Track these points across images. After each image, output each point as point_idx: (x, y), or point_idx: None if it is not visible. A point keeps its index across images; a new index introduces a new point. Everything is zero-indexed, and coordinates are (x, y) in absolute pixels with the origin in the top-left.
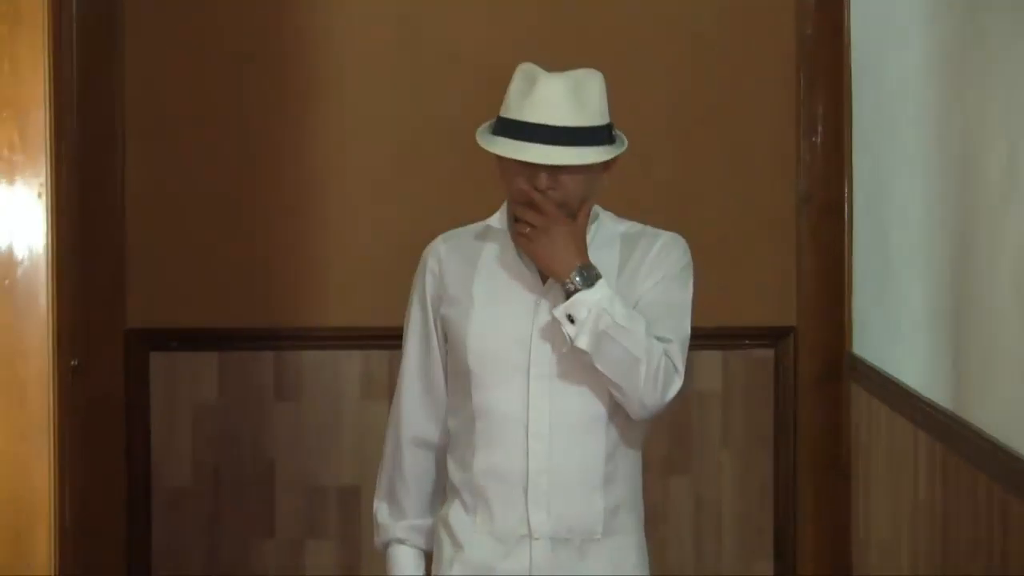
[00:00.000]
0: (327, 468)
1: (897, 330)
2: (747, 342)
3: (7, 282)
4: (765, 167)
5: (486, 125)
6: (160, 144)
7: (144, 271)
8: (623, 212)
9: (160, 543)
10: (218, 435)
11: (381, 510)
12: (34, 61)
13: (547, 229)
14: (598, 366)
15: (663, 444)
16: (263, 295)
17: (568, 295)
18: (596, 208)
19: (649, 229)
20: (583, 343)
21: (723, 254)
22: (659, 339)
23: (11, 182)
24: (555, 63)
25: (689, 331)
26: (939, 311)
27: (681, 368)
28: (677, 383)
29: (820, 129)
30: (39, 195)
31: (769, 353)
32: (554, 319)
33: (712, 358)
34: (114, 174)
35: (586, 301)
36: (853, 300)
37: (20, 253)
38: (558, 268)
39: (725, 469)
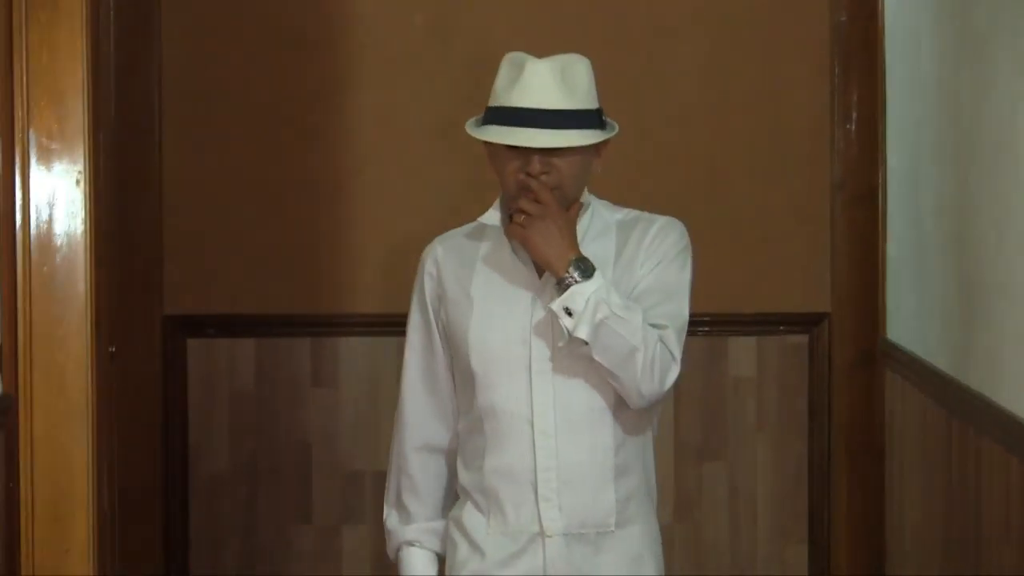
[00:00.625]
0: (364, 454)
1: (930, 316)
2: (782, 328)
3: (46, 269)
4: (799, 154)
5: (475, 118)
6: (197, 131)
7: (181, 258)
8: (658, 200)
9: (197, 528)
10: (255, 421)
11: (391, 518)
12: (72, 50)
13: (543, 218)
14: (596, 357)
15: (698, 430)
16: (300, 282)
17: (564, 288)
18: (589, 196)
19: (645, 215)
20: (583, 333)
21: (758, 241)
22: (655, 326)
23: (50, 170)
24: (590, 52)
25: (687, 315)
26: (972, 297)
27: (678, 355)
28: (675, 371)
29: (854, 116)
30: (77, 182)
31: (803, 339)
32: (551, 313)
33: (747, 344)
34: (151, 161)
35: (583, 292)
36: (887, 286)
37: (59, 240)
38: (555, 261)
39: (759, 455)
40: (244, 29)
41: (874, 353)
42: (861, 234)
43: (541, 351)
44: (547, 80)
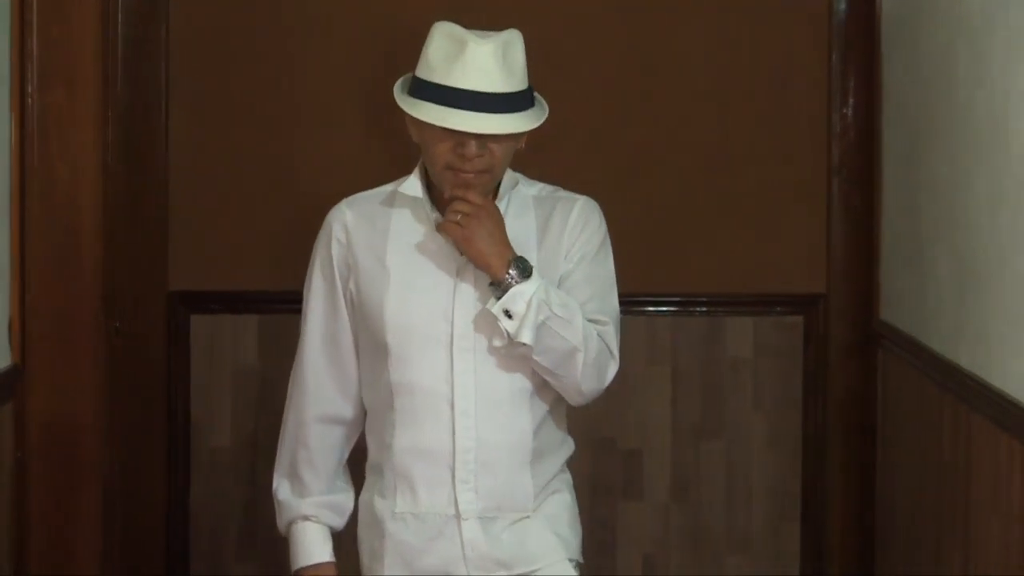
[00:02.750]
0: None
1: (924, 297)
2: (778, 309)
3: (56, 244)
4: (797, 138)
5: (401, 83)
6: (203, 109)
7: (186, 235)
8: (658, 182)
9: (198, 502)
10: (257, 397)
11: (282, 488)
12: (84, 28)
13: (478, 216)
14: (536, 358)
15: (695, 409)
16: (304, 259)
17: (503, 290)
18: (514, 176)
19: (561, 192)
20: (526, 336)
21: (756, 223)
22: (593, 321)
23: (60, 145)
24: (596, 35)
25: (618, 306)
26: (965, 278)
27: (616, 352)
28: (613, 367)
29: (851, 100)
30: (87, 159)
31: (799, 320)
32: (476, 293)
33: (744, 324)
34: (157, 139)
35: (523, 294)
36: (882, 268)
37: (69, 216)
38: (494, 262)
39: (755, 434)
40: (251, 8)
41: (869, 334)
42: (857, 217)
43: (464, 328)
44: (489, 62)
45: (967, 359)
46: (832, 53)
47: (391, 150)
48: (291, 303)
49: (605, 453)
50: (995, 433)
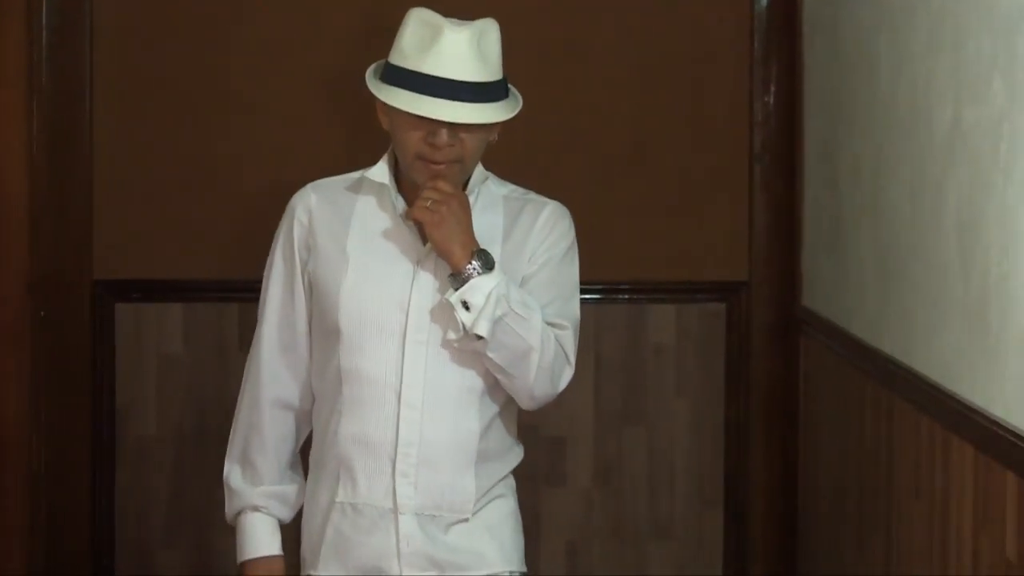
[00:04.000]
0: None
1: (846, 283)
2: (701, 296)
3: None
4: (719, 126)
5: (374, 69)
6: (128, 97)
7: (111, 223)
8: (578, 170)
9: (123, 491)
10: (182, 386)
11: (233, 474)
12: (9, 19)
13: (448, 204)
14: (490, 354)
15: (617, 396)
16: (228, 248)
17: (463, 281)
18: (484, 172)
19: (532, 195)
20: (482, 329)
21: (678, 211)
22: (553, 325)
23: None
24: (516, 23)
25: (579, 313)
26: (886, 263)
27: (572, 358)
28: (568, 373)
29: (773, 88)
30: (13, 148)
31: (722, 307)
32: (434, 285)
33: (666, 311)
34: (81, 127)
35: (483, 287)
36: (804, 255)
37: None
38: (457, 251)
39: (678, 420)
40: None
41: (791, 321)
42: (779, 204)
43: (419, 320)
44: (465, 50)
45: (889, 344)
46: (754, 39)
47: (318, 139)
48: (216, 291)
49: (528, 441)
50: (916, 417)
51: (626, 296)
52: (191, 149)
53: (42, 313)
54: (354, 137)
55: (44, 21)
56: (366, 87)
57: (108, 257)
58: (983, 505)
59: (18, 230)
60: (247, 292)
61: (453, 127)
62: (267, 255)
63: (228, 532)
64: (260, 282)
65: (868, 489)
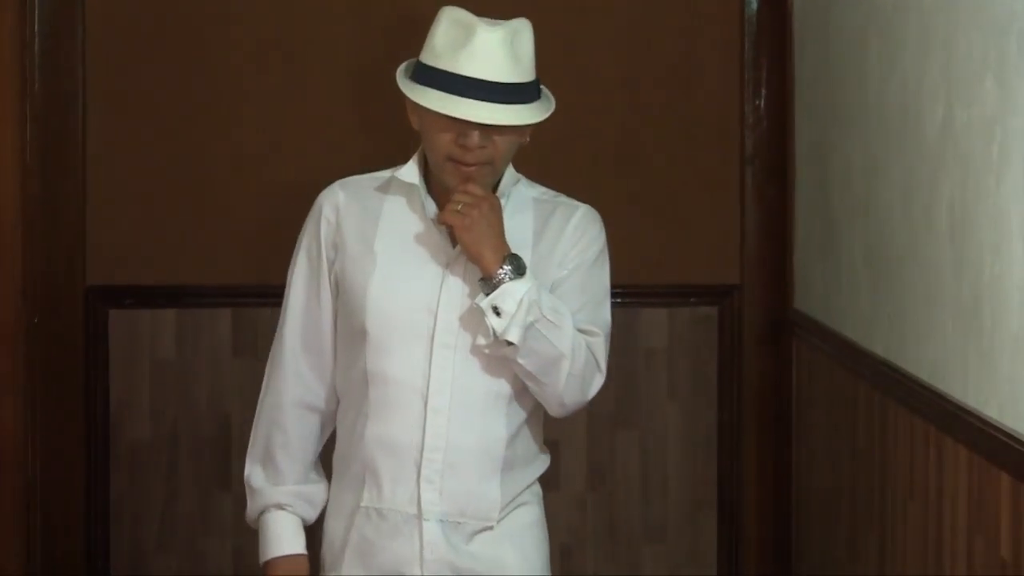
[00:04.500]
0: None
1: (838, 285)
2: (692, 300)
3: None
4: (710, 129)
5: (404, 68)
6: (121, 103)
7: (104, 229)
8: (570, 172)
9: (117, 496)
10: (176, 391)
11: (255, 474)
12: (2, 24)
13: (480, 208)
14: (520, 360)
15: (610, 399)
16: (221, 253)
17: (494, 286)
18: (516, 174)
19: (563, 198)
20: (514, 336)
21: (669, 215)
22: (584, 332)
23: None
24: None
25: (610, 319)
26: (877, 266)
27: (603, 365)
28: (599, 380)
29: (764, 91)
30: (6, 154)
31: (714, 310)
32: (464, 290)
33: (658, 315)
34: (74, 133)
35: (515, 292)
36: (795, 257)
37: None
38: (489, 255)
39: (671, 423)
40: (168, 2)
41: (783, 323)
42: (771, 207)
43: (447, 323)
44: (498, 51)
45: (881, 346)
46: (745, 42)
47: (311, 146)
48: (209, 297)
49: None
50: (909, 418)
51: (618, 300)
52: (184, 155)
53: (35, 319)
54: (349, 142)
55: (36, 27)
56: (362, 89)
57: (101, 263)
58: (977, 506)
59: (11, 236)
60: (240, 297)
61: (485, 128)
62: (260, 260)
63: (222, 536)
64: (253, 287)
65: (861, 490)
